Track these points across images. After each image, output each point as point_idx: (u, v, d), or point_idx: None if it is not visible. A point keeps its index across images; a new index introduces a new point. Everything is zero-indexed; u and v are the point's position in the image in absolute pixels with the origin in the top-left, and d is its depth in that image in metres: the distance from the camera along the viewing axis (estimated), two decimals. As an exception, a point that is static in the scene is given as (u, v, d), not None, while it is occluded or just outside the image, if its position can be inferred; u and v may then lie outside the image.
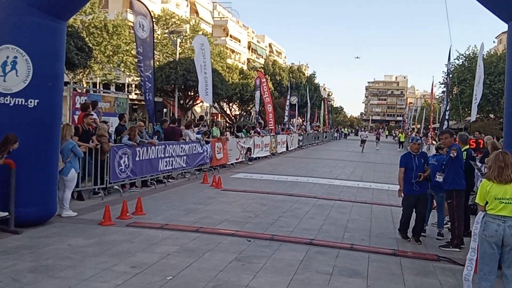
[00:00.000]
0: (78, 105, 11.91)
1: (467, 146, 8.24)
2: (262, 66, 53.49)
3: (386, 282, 5.51)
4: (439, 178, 7.21)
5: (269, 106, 27.60)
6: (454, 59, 39.08)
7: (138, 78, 31.80)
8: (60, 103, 7.78)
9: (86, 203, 9.35)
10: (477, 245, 4.72)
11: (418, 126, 53.26)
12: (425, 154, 8.02)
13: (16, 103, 7.05)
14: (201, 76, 17.02)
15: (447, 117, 24.65)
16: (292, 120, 37.65)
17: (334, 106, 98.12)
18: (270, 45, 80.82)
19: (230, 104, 42.10)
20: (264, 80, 29.37)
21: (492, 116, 36.23)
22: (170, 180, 13.02)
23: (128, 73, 32.28)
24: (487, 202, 4.61)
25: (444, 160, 7.37)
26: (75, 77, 27.25)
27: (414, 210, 7.49)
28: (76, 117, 11.54)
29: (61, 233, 6.94)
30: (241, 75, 40.94)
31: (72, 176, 8.27)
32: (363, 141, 33.30)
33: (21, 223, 6.96)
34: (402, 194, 7.59)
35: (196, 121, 20.30)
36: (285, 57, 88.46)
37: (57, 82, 7.57)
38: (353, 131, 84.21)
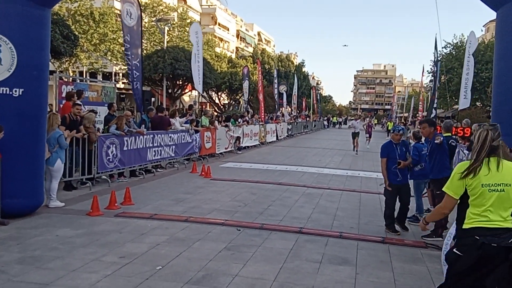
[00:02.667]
0: (64, 95, 11.75)
1: (449, 134, 8.31)
2: (251, 54, 53.22)
3: (374, 269, 5.55)
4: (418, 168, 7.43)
5: (260, 95, 27.60)
6: (442, 48, 39.31)
7: (126, 67, 31.47)
8: (45, 92, 7.66)
9: (73, 193, 9.27)
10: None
11: (406, 114, 53.57)
12: (406, 142, 8.10)
13: (1, 92, 6.92)
14: (194, 65, 16.96)
15: (435, 105, 24.86)
16: (281, 108, 37.61)
17: (323, 95, 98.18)
18: (259, 34, 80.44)
19: (219, 93, 41.92)
20: (260, 68, 29.44)
21: (479, 104, 36.55)
22: (158, 169, 12.95)
23: (115, 62, 31.88)
24: None
25: (426, 149, 7.51)
26: (61, 66, 26.85)
27: (397, 199, 7.43)
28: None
29: (49, 224, 6.88)
30: (230, 64, 40.74)
31: (58, 166, 8.18)
32: (355, 135, 22.33)
33: (8, 214, 6.88)
34: (388, 183, 7.41)
35: (185, 111, 20.17)
36: (274, 46, 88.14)
37: (42, 71, 7.43)
38: (342, 120, 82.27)
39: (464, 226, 3.37)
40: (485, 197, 3.28)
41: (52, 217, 7.30)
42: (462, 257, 3.27)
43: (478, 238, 3.23)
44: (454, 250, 3.37)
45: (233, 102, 44.44)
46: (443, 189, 3.51)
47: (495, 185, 3.28)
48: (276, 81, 33.57)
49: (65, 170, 8.75)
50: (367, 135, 27.13)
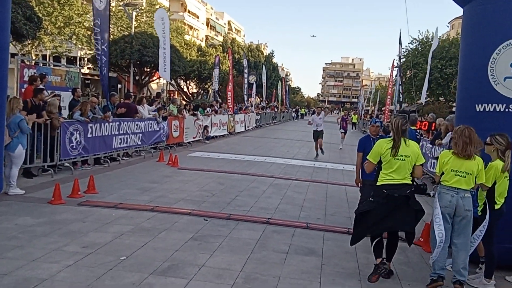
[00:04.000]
0: (26, 78, 11.31)
1: (414, 128, 8.51)
2: (221, 43, 52.78)
3: (340, 260, 5.62)
4: None
5: (230, 85, 27.42)
6: (408, 43, 40.13)
7: (91, 52, 30.73)
8: (5, 74, 7.33)
9: (34, 180, 8.96)
10: (439, 212, 4.78)
11: (373, 108, 54.52)
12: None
13: (-44, 73, 6.58)
14: (161, 52, 16.64)
15: (400, 99, 25.39)
16: (250, 99, 37.55)
17: (292, 86, 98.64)
18: (229, 23, 79.82)
19: (188, 82, 41.44)
20: (231, 57, 29.19)
21: (442, 99, 37.59)
22: (124, 158, 12.69)
23: (80, 46, 30.94)
24: (442, 173, 4.79)
25: None
26: (23, 49, 25.83)
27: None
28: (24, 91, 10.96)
29: (8, 212, 6.61)
30: (199, 52, 40.30)
31: (19, 152, 7.88)
32: (317, 135, 16.35)
33: (-37, 201, 6.58)
34: (359, 184, 6.84)
35: (152, 98, 19.82)
36: (244, 36, 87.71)
37: (1, 53, 7.11)
38: (310, 111, 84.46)
39: (378, 184, 4.99)
40: (392, 163, 4.88)
41: (11, 205, 7.02)
42: (375, 203, 4.95)
43: (385, 190, 4.88)
44: (370, 199, 5.07)
45: (202, 91, 44.05)
46: (367, 157, 5.16)
47: (400, 155, 4.87)
48: (246, 71, 33.44)
49: (26, 156, 8.43)
50: (342, 131, 22.71)
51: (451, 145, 4.95)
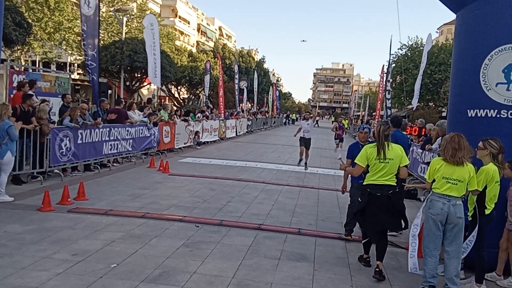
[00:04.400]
0: (15, 84, 11.21)
1: (404, 133, 8.59)
2: (212, 49, 52.81)
3: (332, 265, 5.62)
4: None
5: (221, 90, 27.42)
6: (398, 49, 40.46)
7: (81, 57, 30.55)
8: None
9: (23, 187, 8.86)
10: (420, 222, 4.94)
11: (363, 113, 54.84)
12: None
13: None
14: (150, 58, 16.60)
15: (389, 105, 25.55)
16: (241, 104, 37.55)
17: (283, 91, 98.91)
18: (220, 28, 79.92)
19: (179, 87, 41.37)
20: (221, 63, 29.24)
21: (432, 104, 37.87)
22: (115, 164, 12.61)
23: (70, 52, 30.74)
24: (434, 180, 4.81)
25: None
26: (12, 54, 25.60)
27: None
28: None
29: (-4, 219, 6.53)
30: (190, 58, 40.28)
31: (8, 159, 7.80)
32: (304, 142, 14.27)
33: (-49, 209, 6.48)
34: (346, 191, 6.91)
35: (143, 104, 19.74)
36: (235, 41, 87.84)
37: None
38: (301, 117, 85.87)
39: (364, 183, 5.45)
40: (377, 166, 5.29)
41: (0, 212, 6.94)
42: (361, 201, 5.46)
43: (368, 190, 5.34)
44: (359, 199, 5.59)
45: (193, 97, 44.00)
46: (355, 161, 5.54)
47: (384, 159, 5.25)
48: (237, 76, 33.48)
49: (15, 163, 8.33)
50: (337, 140, 21.79)
51: (439, 151, 5.00)
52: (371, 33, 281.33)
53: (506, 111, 5.57)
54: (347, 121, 46.46)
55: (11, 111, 8.22)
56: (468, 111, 5.87)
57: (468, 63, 5.94)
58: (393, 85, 33.68)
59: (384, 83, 29.63)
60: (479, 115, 5.76)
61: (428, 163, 5.07)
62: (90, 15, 12.66)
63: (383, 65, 31.39)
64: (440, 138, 9.59)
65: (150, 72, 16.94)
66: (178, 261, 5.31)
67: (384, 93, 27.51)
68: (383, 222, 5.34)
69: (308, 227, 7.34)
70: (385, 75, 28.38)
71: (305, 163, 14.30)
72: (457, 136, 4.79)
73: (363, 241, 5.75)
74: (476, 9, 5.90)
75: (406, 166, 5.41)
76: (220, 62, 29.55)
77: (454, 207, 4.69)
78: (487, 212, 5.04)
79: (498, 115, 5.61)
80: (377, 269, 5.23)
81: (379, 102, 30.31)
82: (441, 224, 4.74)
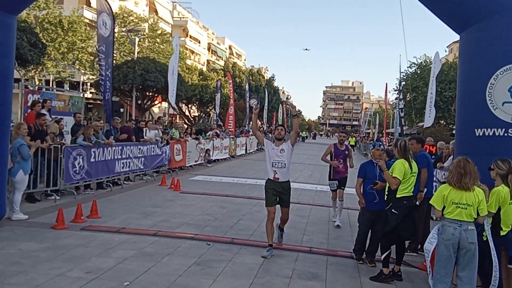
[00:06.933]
0: (30, 104, 11.42)
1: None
2: (222, 68, 53.32)
3: (344, 285, 5.59)
4: None
5: (231, 109, 27.62)
6: (407, 67, 40.53)
7: (93, 77, 31.08)
8: (9, 100, 7.44)
9: (37, 205, 8.97)
10: (432, 248, 4.91)
11: (373, 130, 54.69)
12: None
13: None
14: (171, 78, 17.43)
15: (402, 123, 25.55)
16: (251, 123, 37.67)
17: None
18: (230, 47, 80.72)
19: (189, 105, 41.71)
20: (231, 81, 29.50)
21: (442, 122, 37.68)
22: (126, 182, 12.71)
23: (83, 71, 31.31)
24: (444, 207, 4.76)
25: None
26: (26, 74, 26.15)
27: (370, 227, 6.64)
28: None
29: (11, 237, 6.62)
30: (201, 77, 40.67)
31: (20, 177, 7.88)
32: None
33: (-33, 227, 6.58)
34: (364, 203, 6.60)
35: (154, 122, 19.96)
36: (245, 60, 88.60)
37: (6, 79, 7.23)
38: (311, 134, 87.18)
39: (397, 196, 5.81)
40: (409, 179, 5.79)
41: (14, 230, 7.03)
42: (399, 214, 5.78)
43: (405, 202, 5.79)
44: (392, 210, 5.84)
45: (204, 115, 44.28)
46: (393, 174, 5.80)
47: (412, 172, 5.82)
48: (247, 94, 33.71)
49: (29, 181, 8.46)
50: (335, 183, 18.40)
51: (446, 175, 4.98)
52: (382, 51, 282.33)
53: (513, 130, 5.56)
54: (354, 138, 45.74)
55: (27, 130, 8.37)
56: (476, 130, 5.88)
57: (473, 83, 5.98)
58: (404, 103, 33.65)
59: (389, 101, 29.67)
60: (486, 134, 5.76)
61: (444, 183, 4.97)
62: (108, 36, 12.94)
63: (386, 83, 31.48)
64: (451, 156, 9.52)
65: (170, 91, 17.65)
66: (190, 279, 5.33)
67: (398, 111, 27.54)
68: (410, 229, 5.91)
69: (319, 246, 7.32)
70: (389, 93, 28.46)
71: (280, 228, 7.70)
72: (463, 161, 4.75)
73: (383, 256, 5.96)
74: (480, 30, 5.95)
75: None
76: (231, 81, 29.81)
77: (466, 232, 4.60)
78: (502, 233, 4.97)
79: (506, 134, 5.62)
80: (399, 273, 5.86)
81: (385, 120, 30.32)
82: (454, 249, 4.65)
